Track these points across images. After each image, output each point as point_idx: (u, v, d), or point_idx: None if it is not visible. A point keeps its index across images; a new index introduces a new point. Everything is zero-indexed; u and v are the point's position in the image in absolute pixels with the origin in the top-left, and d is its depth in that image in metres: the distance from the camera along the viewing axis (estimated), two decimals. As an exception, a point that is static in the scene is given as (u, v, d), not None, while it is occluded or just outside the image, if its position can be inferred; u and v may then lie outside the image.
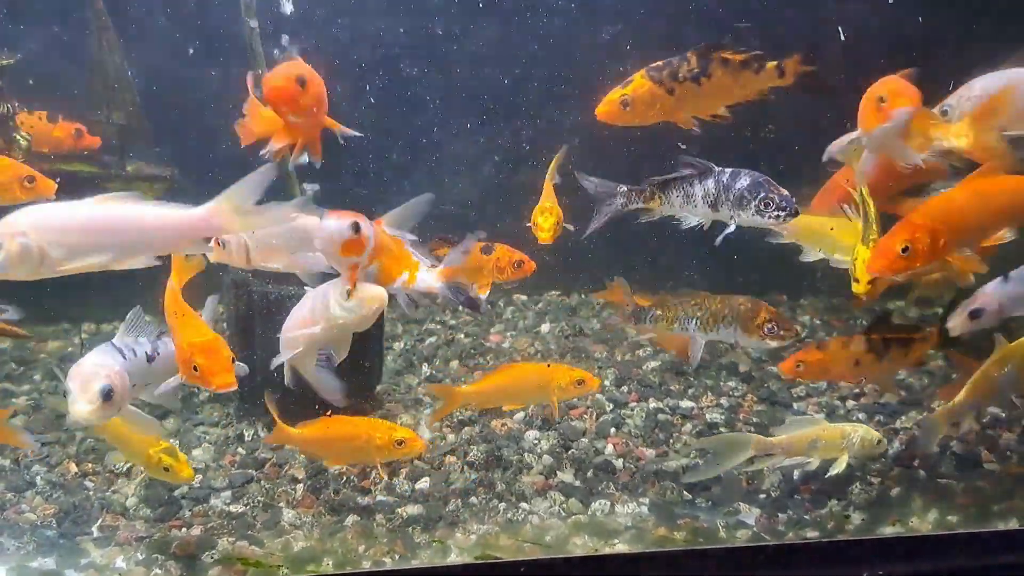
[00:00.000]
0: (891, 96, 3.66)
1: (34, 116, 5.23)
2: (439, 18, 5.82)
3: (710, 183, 3.80)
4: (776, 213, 3.67)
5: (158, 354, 3.91)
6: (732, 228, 3.77)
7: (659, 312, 4.32)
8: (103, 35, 4.98)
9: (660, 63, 3.91)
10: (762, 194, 3.67)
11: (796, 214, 3.70)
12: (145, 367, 3.84)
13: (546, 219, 4.54)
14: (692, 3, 5.66)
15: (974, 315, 4.10)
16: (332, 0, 5.47)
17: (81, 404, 3.43)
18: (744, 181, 3.73)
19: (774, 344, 4.11)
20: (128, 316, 3.93)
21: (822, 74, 3.88)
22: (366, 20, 5.69)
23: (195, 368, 3.47)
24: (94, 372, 3.52)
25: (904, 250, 3.56)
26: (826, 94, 4.04)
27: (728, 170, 3.79)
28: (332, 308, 3.60)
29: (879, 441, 4.26)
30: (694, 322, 4.22)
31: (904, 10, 4.58)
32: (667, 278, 5.67)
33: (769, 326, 4.07)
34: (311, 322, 3.70)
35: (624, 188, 4.01)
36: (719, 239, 3.77)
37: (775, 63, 3.93)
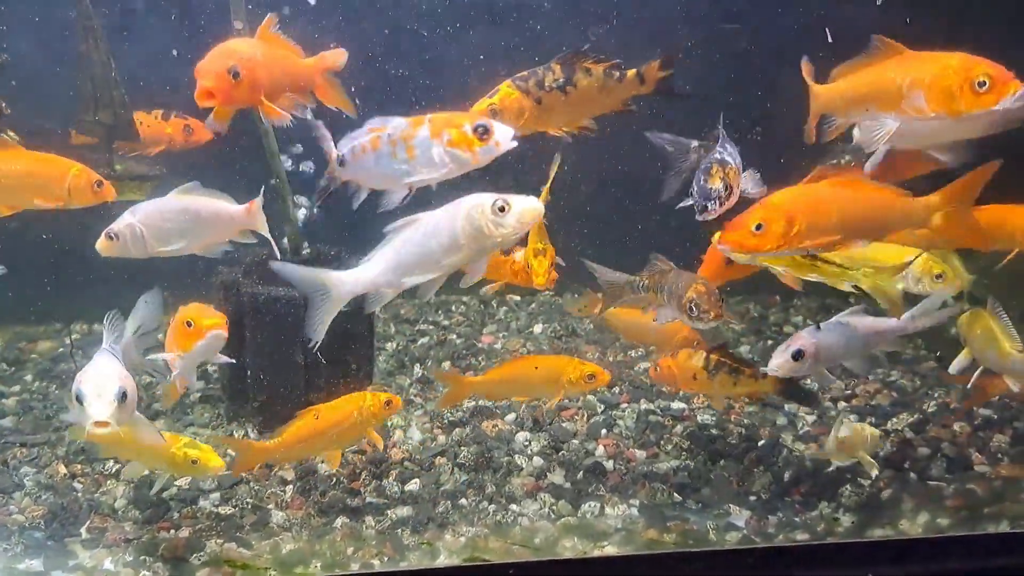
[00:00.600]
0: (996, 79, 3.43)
1: (151, 115, 5.35)
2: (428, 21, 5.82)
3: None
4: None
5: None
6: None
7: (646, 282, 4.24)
8: (89, 34, 4.95)
9: (525, 72, 3.86)
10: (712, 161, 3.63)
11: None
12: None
13: (541, 262, 4.36)
14: (678, 6, 5.65)
15: (796, 356, 4.08)
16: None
17: (100, 408, 3.41)
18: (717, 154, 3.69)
19: (701, 326, 4.00)
20: (106, 321, 3.95)
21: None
22: (355, 21, 5.69)
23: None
24: (106, 376, 3.53)
25: (757, 227, 3.44)
26: (683, 99, 4.04)
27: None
28: (484, 226, 3.40)
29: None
30: (641, 283, 4.24)
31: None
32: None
33: (692, 305, 3.91)
34: (453, 245, 3.48)
35: (696, 143, 3.93)
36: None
37: (635, 71, 3.91)
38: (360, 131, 3.49)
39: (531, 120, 3.85)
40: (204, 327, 3.91)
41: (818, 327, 4.15)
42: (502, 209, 3.37)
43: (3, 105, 4.44)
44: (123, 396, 3.44)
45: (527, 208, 3.40)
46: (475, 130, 3.33)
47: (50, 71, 5.36)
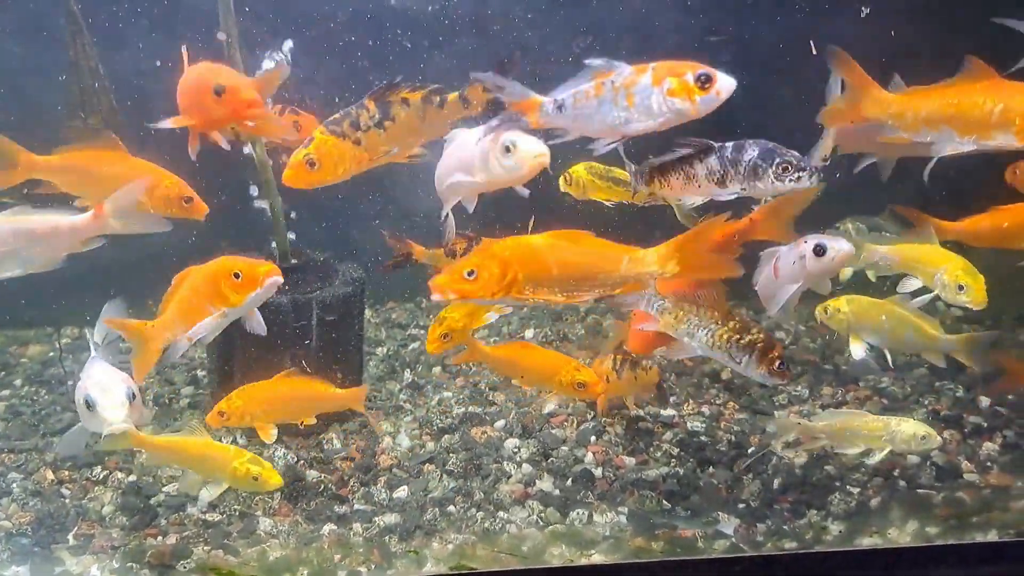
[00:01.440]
0: None
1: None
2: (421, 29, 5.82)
3: (713, 160, 3.66)
4: (796, 175, 3.54)
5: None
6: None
7: (670, 304, 4.07)
8: (78, 39, 4.95)
9: (338, 115, 3.77)
10: (777, 159, 3.55)
11: (815, 173, 3.58)
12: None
13: (433, 328, 4.43)
14: (663, 16, 5.64)
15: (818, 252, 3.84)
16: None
17: (115, 412, 3.55)
18: (753, 151, 3.59)
19: (774, 381, 3.99)
20: (95, 335, 4.10)
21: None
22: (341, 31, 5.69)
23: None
24: (111, 379, 3.67)
25: (470, 273, 3.35)
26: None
27: (729, 144, 3.65)
28: (491, 165, 3.48)
29: (924, 436, 4.29)
30: (704, 332, 3.98)
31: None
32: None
33: (779, 363, 3.88)
34: (470, 170, 3.61)
35: (633, 168, 3.88)
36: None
37: (457, 94, 3.82)
38: (580, 76, 3.41)
39: (353, 163, 3.77)
40: (260, 275, 3.69)
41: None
42: (507, 150, 3.43)
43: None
44: (132, 396, 3.58)
45: (529, 153, 3.45)
46: (697, 79, 3.23)
47: (39, 76, 5.35)
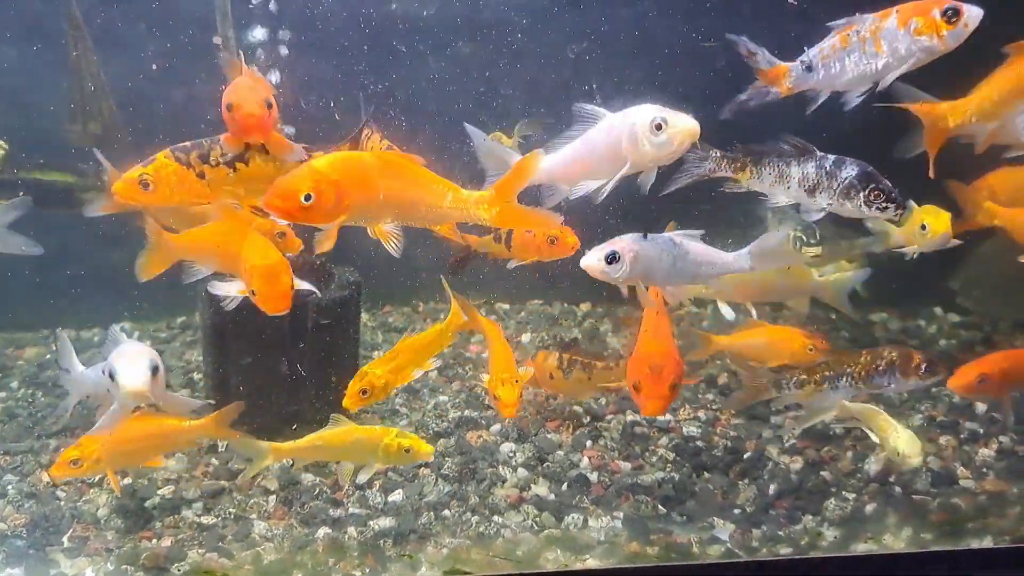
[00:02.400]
0: None
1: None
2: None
3: (810, 167, 3.65)
4: (884, 205, 3.55)
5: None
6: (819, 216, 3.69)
7: (803, 376, 4.29)
8: (79, 45, 4.96)
9: (188, 143, 3.67)
10: (872, 185, 3.55)
11: (904, 207, 3.61)
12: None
13: (509, 392, 4.18)
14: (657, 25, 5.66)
15: (610, 259, 3.68)
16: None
17: (134, 376, 3.59)
18: (852, 170, 3.59)
19: (930, 381, 4.17)
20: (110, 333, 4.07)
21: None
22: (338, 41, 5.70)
23: (253, 292, 3.66)
24: (136, 352, 3.73)
25: (307, 198, 3.05)
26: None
27: (831, 156, 3.65)
28: (640, 143, 3.38)
29: (901, 455, 4.31)
30: (844, 379, 4.22)
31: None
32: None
33: (926, 366, 4.09)
34: (616, 155, 3.46)
35: (716, 153, 3.81)
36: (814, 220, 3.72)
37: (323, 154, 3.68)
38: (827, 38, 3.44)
39: (191, 195, 3.69)
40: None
41: (645, 235, 3.80)
42: (659, 127, 3.35)
43: None
44: (155, 369, 3.64)
45: (682, 129, 3.37)
46: (944, 14, 3.21)
47: (40, 81, 5.37)
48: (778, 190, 3.76)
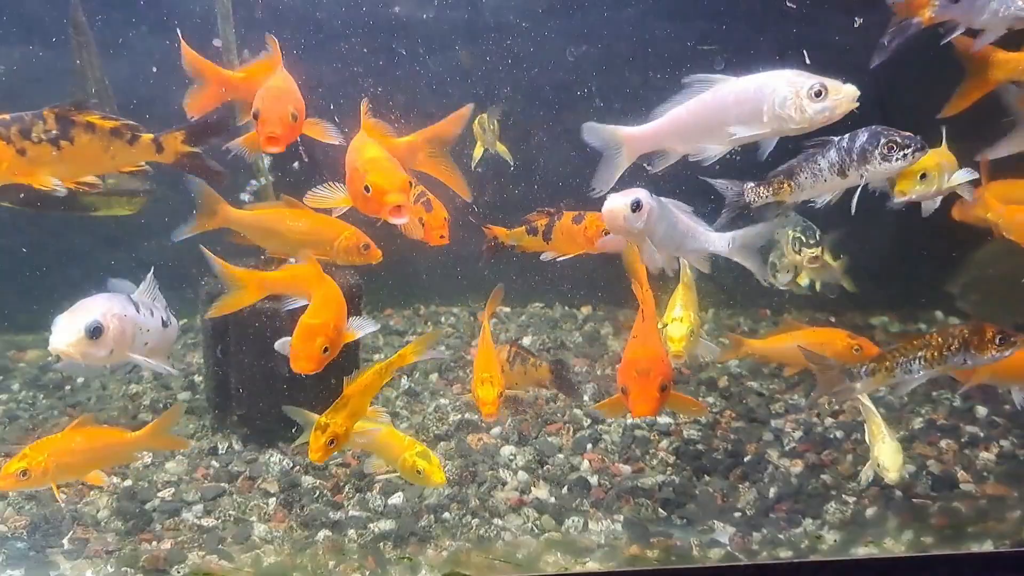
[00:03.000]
0: None
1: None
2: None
3: (832, 153, 3.68)
4: (903, 153, 3.56)
5: (171, 323, 4.05)
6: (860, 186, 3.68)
7: (874, 364, 4.22)
8: (84, 48, 4.97)
9: (7, 116, 3.52)
10: (883, 139, 3.57)
11: (924, 148, 3.60)
12: (159, 330, 3.92)
13: (488, 391, 4.11)
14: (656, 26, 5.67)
15: (635, 206, 3.62)
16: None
17: (60, 335, 3.43)
18: (862, 136, 3.63)
19: (1008, 352, 4.04)
20: (148, 277, 4.04)
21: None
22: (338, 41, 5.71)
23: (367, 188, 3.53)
24: (89, 307, 3.52)
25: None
26: (211, 177, 3.96)
27: (845, 135, 3.68)
28: (797, 109, 3.36)
29: (880, 467, 4.25)
30: (917, 362, 4.14)
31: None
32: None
33: (1000, 338, 4.01)
34: (753, 119, 3.45)
35: (750, 184, 3.84)
36: (853, 205, 3.70)
37: (152, 136, 3.73)
38: None
39: (9, 172, 3.54)
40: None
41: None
42: (819, 94, 3.32)
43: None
44: (95, 331, 3.42)
45: (845, 95, 3.35)
46: None
47: (45, 83, 5.38)
48: (818, 188, 3.78)
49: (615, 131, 3.66)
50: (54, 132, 3.54)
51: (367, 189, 3.48)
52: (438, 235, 4.26)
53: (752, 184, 3.86)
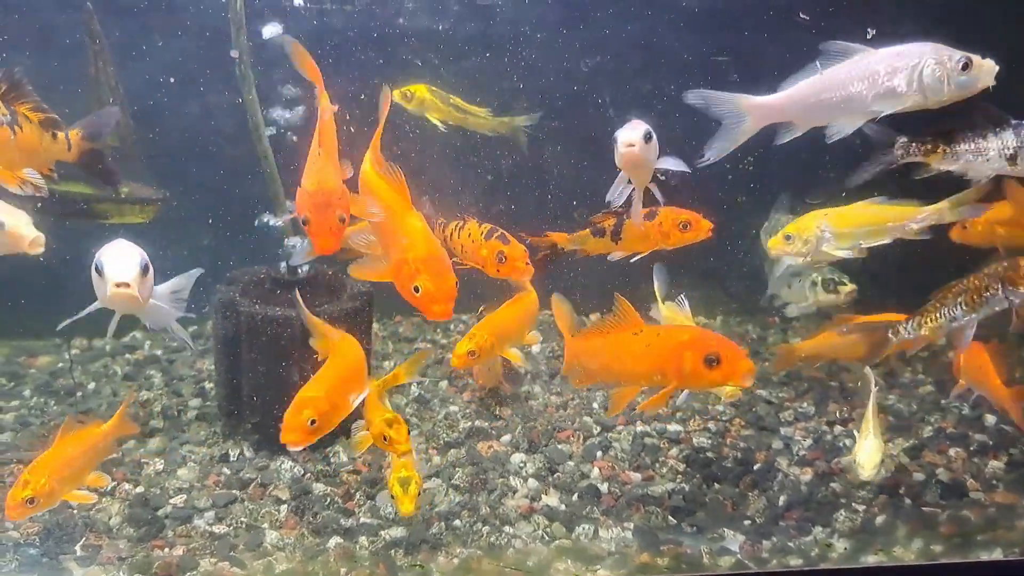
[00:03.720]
0: None
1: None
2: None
3: (1009, 135, 3.61)
4: None
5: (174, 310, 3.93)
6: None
7: (918, 319, 4.18)
8: (98, 56, 5.00)
9: None
10: None
11: None
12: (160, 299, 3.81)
13: (407, 503, 3.84)
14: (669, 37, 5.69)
15: (647, 137, 3.67)
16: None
17: (121, 269, 3.31)
18: None
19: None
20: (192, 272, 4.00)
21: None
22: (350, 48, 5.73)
23: (416, 289, 3.36)
24: (127, 248, 3.41)
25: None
26: (107, 178, 3.93)
27: None
28: (944, 80, 3.33)
29: (855, 463, 4.29)
30: (959, 308, 4.07)
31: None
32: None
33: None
34: (891, 92, 3.44)
35: (904, 139, 3.78)
36: None
37: (63, 132, 3.68)
38: None
39: None
40: None
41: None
42: (965, 66, 3.30)
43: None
44: (145, 268, 3.36)
45: (988, 69, 3.34)
46: None
47: (62, 92, 5.41)
48: (975, 165, 3.71)
49: (739, 99, 3.61)
50: (7, 117, 3.50)
51: (416, 289, 3.33)
52: (522, 265, 4.19)
53: (906, 139, 3.78)
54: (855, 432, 4.50)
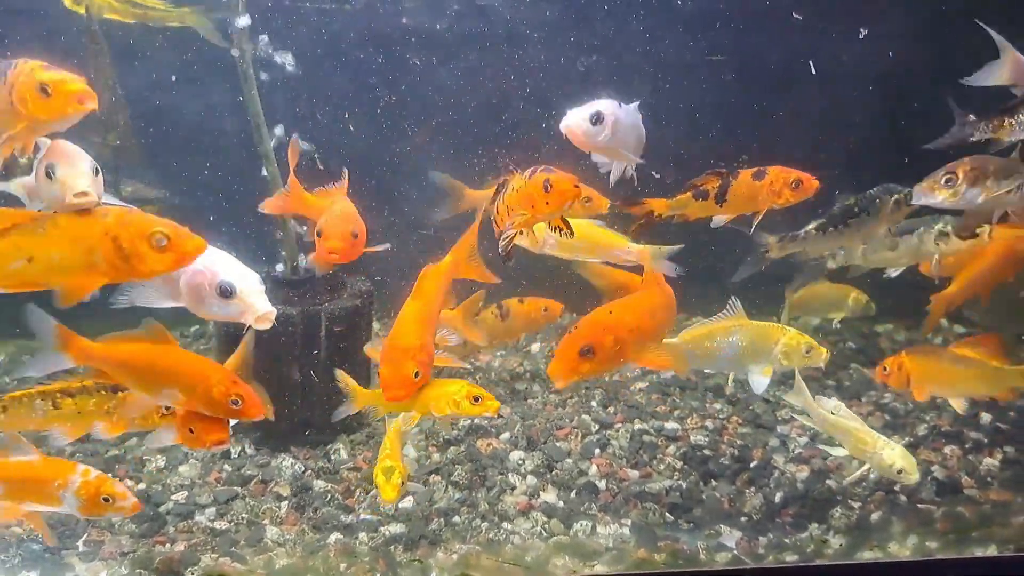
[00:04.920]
0: None
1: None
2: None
3: None
4: None
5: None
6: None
7: (994, 122, 3.84)
8: (97, 56, 5.04)
9: None
10: None
11: None
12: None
13: (389, 491, 3.90)
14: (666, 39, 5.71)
15: (594, 120, 3.57)
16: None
17: (77, 177, 3.10)
18: None
19: None
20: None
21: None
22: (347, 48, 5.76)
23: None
24: (75, 150, 3.21)
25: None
26: None
27: None
28: None
29: (900, 471, 4.21)
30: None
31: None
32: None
33: None
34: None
35: (972, 117, 3.71)
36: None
37: None
38: None
39: None
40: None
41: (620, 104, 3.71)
42: None
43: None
44: (96, 170, 3.18)
45: None
46: None
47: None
48: None
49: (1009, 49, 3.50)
50: None
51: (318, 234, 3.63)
52: (570, 187, 3.50)
53: (974, 117, 3.74)
54: (850, 449, 4.44)
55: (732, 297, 4.19)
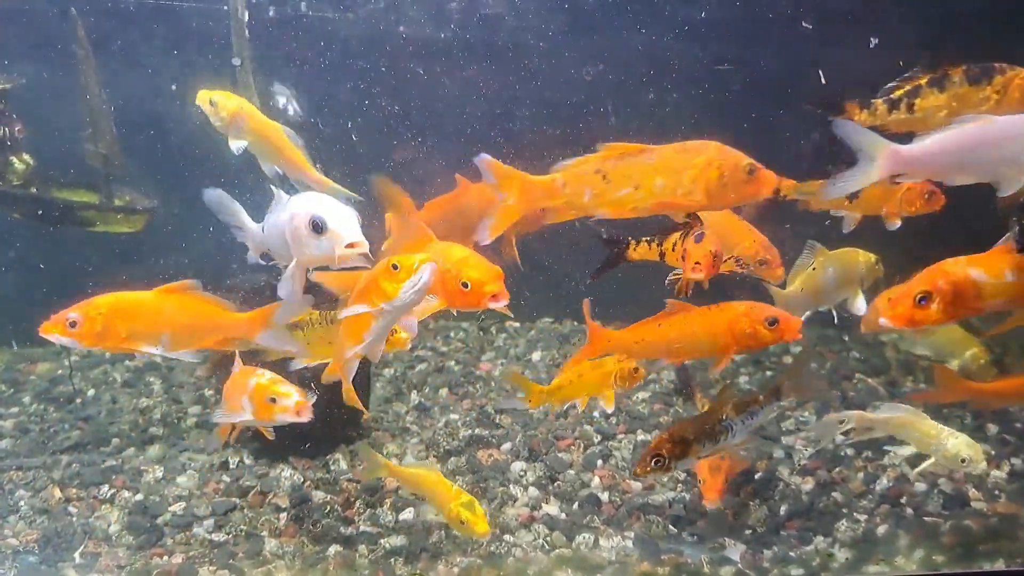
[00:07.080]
0: None
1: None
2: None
3: None
4: None
5: None
6: None
7: None
8: (83, 62, 5.01)
9: None
10: None
11: None
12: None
13: (482, 524, 3.80)
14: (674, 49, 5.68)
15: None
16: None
17: (352, 229, 3.19)
18: None
19: None
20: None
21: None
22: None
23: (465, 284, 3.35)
24: (334, 201, 3.29)
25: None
26: None
27: None
28: None
29: (965, 460, 4.17)
30: None
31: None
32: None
33: None
34: None
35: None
36: None
37: None
38: None
39: None
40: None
41: None
42: None
43: (17, 128, 4.41)
44: (359, 220, 3.24)
45: None
46: None
47: (62, 100, 5.43)
48: None
49: (877, 140, 3.31)
50: None
51: (465, 284, 3.35)
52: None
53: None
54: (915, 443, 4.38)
55: (808, 241, 4.27)
